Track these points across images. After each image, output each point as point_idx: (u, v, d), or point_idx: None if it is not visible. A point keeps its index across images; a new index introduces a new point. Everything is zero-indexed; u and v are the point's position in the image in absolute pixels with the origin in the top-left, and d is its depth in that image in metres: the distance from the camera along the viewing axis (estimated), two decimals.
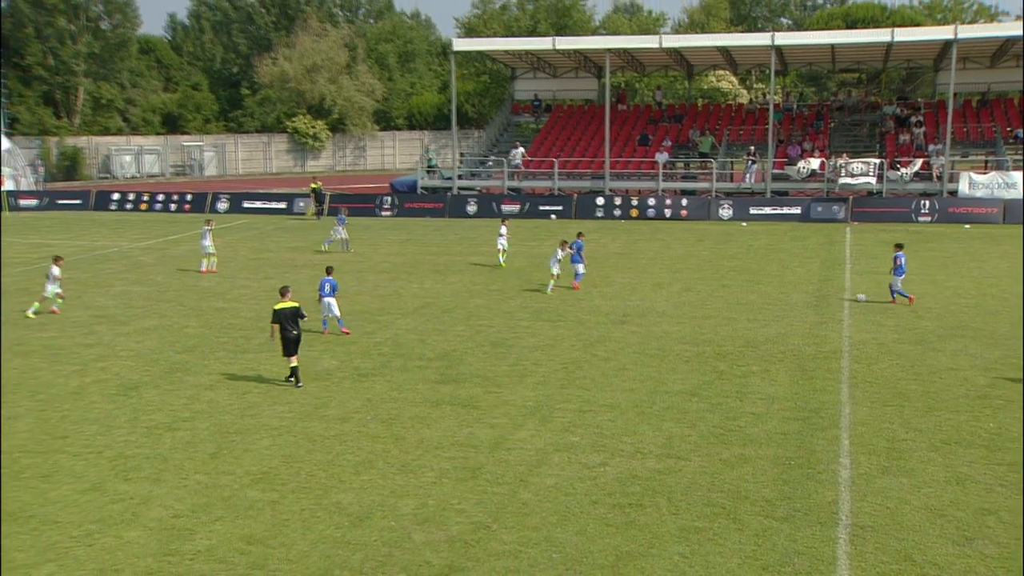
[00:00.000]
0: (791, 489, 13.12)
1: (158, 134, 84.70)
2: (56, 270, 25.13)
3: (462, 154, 59.86)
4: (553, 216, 47.64)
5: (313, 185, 50.02)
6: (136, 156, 79.18)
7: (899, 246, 25.98)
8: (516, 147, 54.67)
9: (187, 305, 26.14)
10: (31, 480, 13.56)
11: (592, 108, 60.55)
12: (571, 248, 28.01)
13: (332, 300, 22.30)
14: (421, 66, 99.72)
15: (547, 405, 16.91)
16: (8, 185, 58.85)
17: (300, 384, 18.10)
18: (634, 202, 47.66)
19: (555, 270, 27.53)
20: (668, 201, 47.38)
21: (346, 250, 36.16)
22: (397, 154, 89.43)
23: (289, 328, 17.94)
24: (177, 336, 22.41)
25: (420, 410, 16.67)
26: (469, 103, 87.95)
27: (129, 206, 53.40)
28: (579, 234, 29.61)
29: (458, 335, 22.31)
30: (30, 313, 24.63)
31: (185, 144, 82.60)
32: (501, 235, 33.15)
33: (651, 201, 47.50)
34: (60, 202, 54.63)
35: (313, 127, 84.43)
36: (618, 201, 47.91)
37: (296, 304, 18.27)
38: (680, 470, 13.83)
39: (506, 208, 48.15)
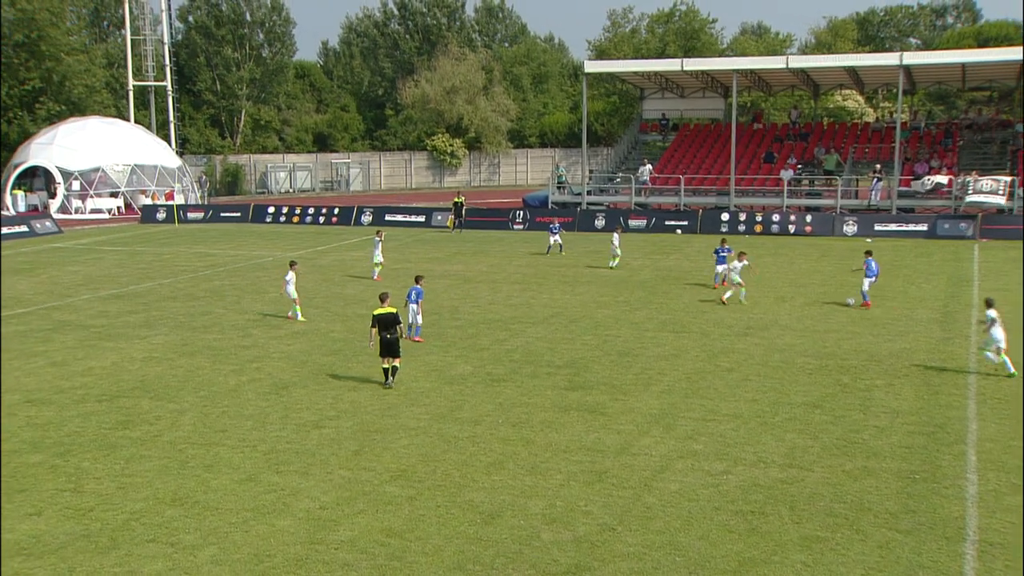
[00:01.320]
0: (915, 503, 12.60)
1: (309, 152, 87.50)
2: (292, 275, 25.74)
3: (591, 171, 59.82)
4: (678, 231, 47.09)
5: (457, 199, 50.72)
6: (290, 172, 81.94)
7: (868, 252, 27.46)
8: (644, 164, 54.35)
9: (333, 311, 26.88)
10: (196, 469, 14.17)
11: (718, 127, 59.62)
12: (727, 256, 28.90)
13: (415, 307, 22.78)
14: (553, 87, 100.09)
15: (671, 413, 16.70)
16: (179, 199, 61.88)
17: (390, 384, 18.42)
18: (758, 218, 46.70)
19: (737, 278, 27.17)
20: (792, 217, 46.22)
21: (560, 252, 38.85)
22: (529, 170, 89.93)
23: (387, 332, 18.36)
24: (324, 340, 23.06)
25: (549, 415, 16.70)
26: (599, 122, 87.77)
27: (283, 219, 55.20)
28: (722, 240, 31.01)
29: (586, 344, 22.27)
30: (300, 317, 25.48)
31: (334, 161, 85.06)
32: (613, 243, 34.80)
33: (775, 217, 46.44)
34: (223, 215, 56.87)
35: (451, 145, 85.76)
36: (742, 217, 47.01)
37: (394, 310, 18.67)
38: (802, 480, 13.45)
39: (633, 223, 47.89)
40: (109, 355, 21.58)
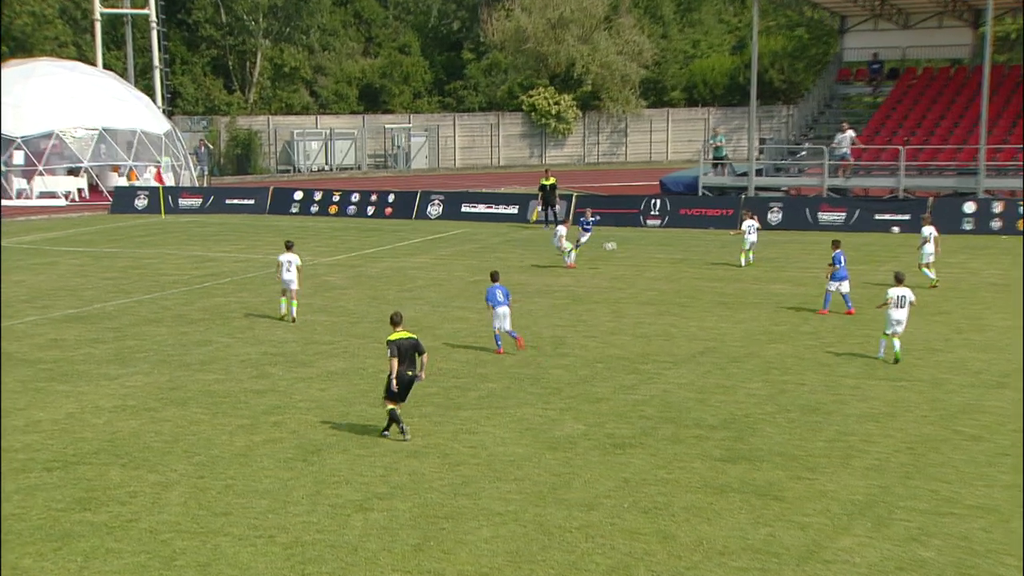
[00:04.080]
0: None
1: (354, 113, 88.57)
2: (294, 258, 28.73)
3: (763, 140, 59.42)
4: (896, 229, 46.41)
5: (544, 180, 50.25)
6: (325, 142, 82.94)
7: (835, 243, 30.50)
8: (843, 130, 53.67)
9: (385, 341, 27.04)
10: (186, 570, 14.34)
11: (962, 72, 58.49)
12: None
13: (505, 309, 24.64)
14: (708, 17, 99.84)
15: (884, 501, 16.40)
16: (168, 180, 63.08)
17: (386, 434, 19.42)
18: (1023, 210, 45.69)
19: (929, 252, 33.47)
20: None
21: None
22: (670, 141, 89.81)
23: (407, 368, 19.05)
24: (372, 383, 23.21)
25: (697, 498, 16.56)
26: (775, 68, 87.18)
27: (315, 208, 56.19)
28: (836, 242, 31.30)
29: (752, 394, 22.07)
30: (294, 315, 29.18)
31: (388, 126, 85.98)
32: (746, 232, 38.10)
33: None
34: (228, 202, 58.11)
35: (557, 103, 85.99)
36: (998, 208, 46.18)
37: (414, 336, 19.35)
38: None
39: (825, 216, 47.44)
40: (64, 403, 22.05)
